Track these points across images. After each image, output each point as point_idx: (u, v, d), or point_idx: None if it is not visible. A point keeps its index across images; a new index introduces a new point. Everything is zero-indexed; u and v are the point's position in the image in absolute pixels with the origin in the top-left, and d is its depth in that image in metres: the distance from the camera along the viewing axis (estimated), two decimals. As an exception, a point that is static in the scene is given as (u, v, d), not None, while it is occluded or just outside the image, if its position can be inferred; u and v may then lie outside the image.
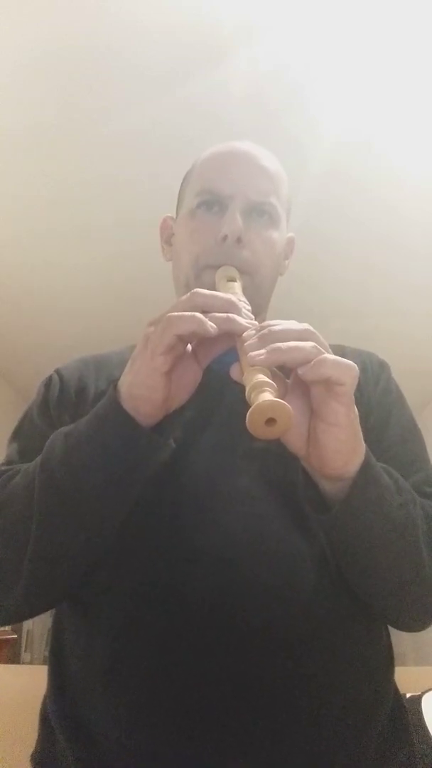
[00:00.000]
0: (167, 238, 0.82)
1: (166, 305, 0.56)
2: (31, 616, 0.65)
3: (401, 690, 0.70)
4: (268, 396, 0.46)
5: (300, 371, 0.50)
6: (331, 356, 0.50)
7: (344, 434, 0.52)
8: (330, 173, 2.12)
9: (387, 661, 0.67)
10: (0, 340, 3.40)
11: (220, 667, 0.57)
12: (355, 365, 0.51)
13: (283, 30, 1.69)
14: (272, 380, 0.49)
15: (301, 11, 1.65)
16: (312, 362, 0.49)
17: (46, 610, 0.65)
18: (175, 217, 0.82)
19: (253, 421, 0.45)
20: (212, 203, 0.73)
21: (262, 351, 0.49)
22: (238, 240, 0.69)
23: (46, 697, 0.67)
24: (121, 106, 1.93)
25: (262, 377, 0.49)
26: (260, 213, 0.73)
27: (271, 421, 0.45)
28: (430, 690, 0.99)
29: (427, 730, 0.90)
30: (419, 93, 1.88)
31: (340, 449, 0.53)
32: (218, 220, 0.71)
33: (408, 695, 0.97)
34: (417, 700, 0.96)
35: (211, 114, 1.93)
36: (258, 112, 1.92)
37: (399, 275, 2.73)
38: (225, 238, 0.69)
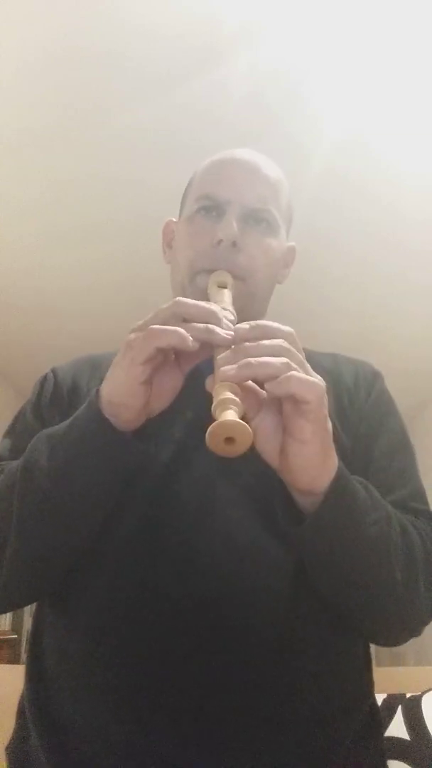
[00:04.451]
0: (169, 241, 0.83)
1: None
2: (9, 610, 0.70)
3: (401, 690, 0.70)
4: (230, 415, 0.46)
5: (268, 386, 0.50)
6: (298, 374, 0.49)
7: (311, 451, 0.52)
8: (330, 173, 2.12)
9: (363, 667, 0.68)
10: (0, 340, 3.41)
11: (194, 666, 0.58)
12: (322, 383, 0.50)
13: (283, 31, 1.70)
14: (242, 395, 0.49)
15: (302, 12, 1.65)
16: (279, 378, 0.49)
17: (25, 605, 0.70)
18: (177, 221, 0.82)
19: (212, 438, 0.45)
20: (211, 208, 0.73)
21: (233, 366, 0.50)
22: (233, 244, 0.70)
23: (22, 692, 0.68)
24: (121, 106, 1.93)
25: (228, 394, 0.48)
26: (258, 220, 0.73)
27: (230, 440, 0.45)
28: (430, 690, 0.99)
29: (428, 730, 0.90)
30: (419, 93, 1.88)
31: (307, 465, 0.53)
32: (215, 225, 0.71)
33: (408, 695, 0.97)
34: (417, 700, 0.96)
35: (211, 114, 1.93)
36: (258, 112, 1.92)
37: (399, 275, 2.73)
38: (220, 242, 0.70)
